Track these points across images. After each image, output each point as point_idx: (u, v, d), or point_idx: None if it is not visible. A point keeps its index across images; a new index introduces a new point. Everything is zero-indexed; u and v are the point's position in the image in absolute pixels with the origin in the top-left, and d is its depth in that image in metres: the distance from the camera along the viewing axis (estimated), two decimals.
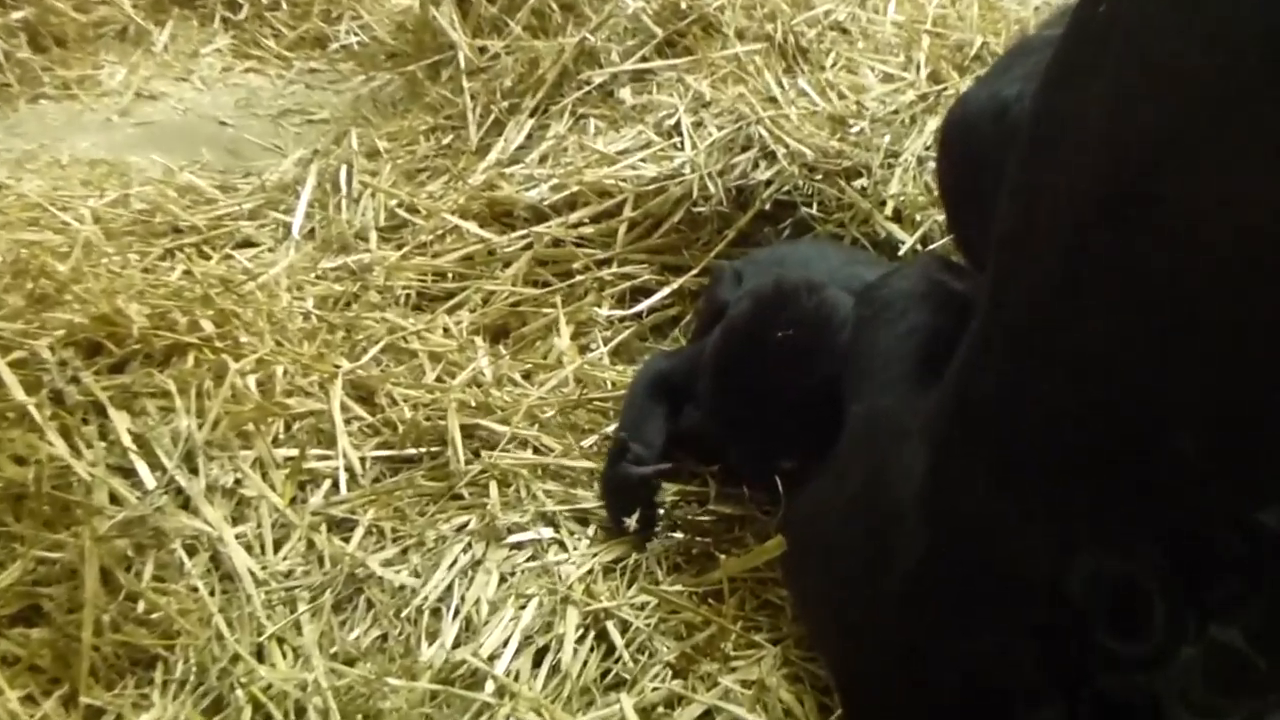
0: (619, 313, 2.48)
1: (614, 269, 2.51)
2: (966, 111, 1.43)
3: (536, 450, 2.07)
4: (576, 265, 2.54)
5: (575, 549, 1.88)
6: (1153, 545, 0.97)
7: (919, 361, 1.53)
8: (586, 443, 2.07)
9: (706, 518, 1.97)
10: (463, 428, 2.08)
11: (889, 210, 2.42)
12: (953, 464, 1.25)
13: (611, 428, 2.05)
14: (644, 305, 2.50)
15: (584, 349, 2.38)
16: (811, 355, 1.79)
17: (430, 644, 1.74)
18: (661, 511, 1.93)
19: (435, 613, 1.79)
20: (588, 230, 2.56)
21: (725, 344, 1.89)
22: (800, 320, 1.83)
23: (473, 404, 2.15)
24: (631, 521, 1.86)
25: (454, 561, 1.85)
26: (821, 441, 1.68)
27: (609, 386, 2.22)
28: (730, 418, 1.88)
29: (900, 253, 2.36)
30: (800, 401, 1.79)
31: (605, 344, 2.40)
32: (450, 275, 2.55)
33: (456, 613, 1.77)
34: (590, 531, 1.91)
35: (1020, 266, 1.14)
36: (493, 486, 1.99)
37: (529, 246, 2.56)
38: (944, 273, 1.71)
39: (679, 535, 1.91)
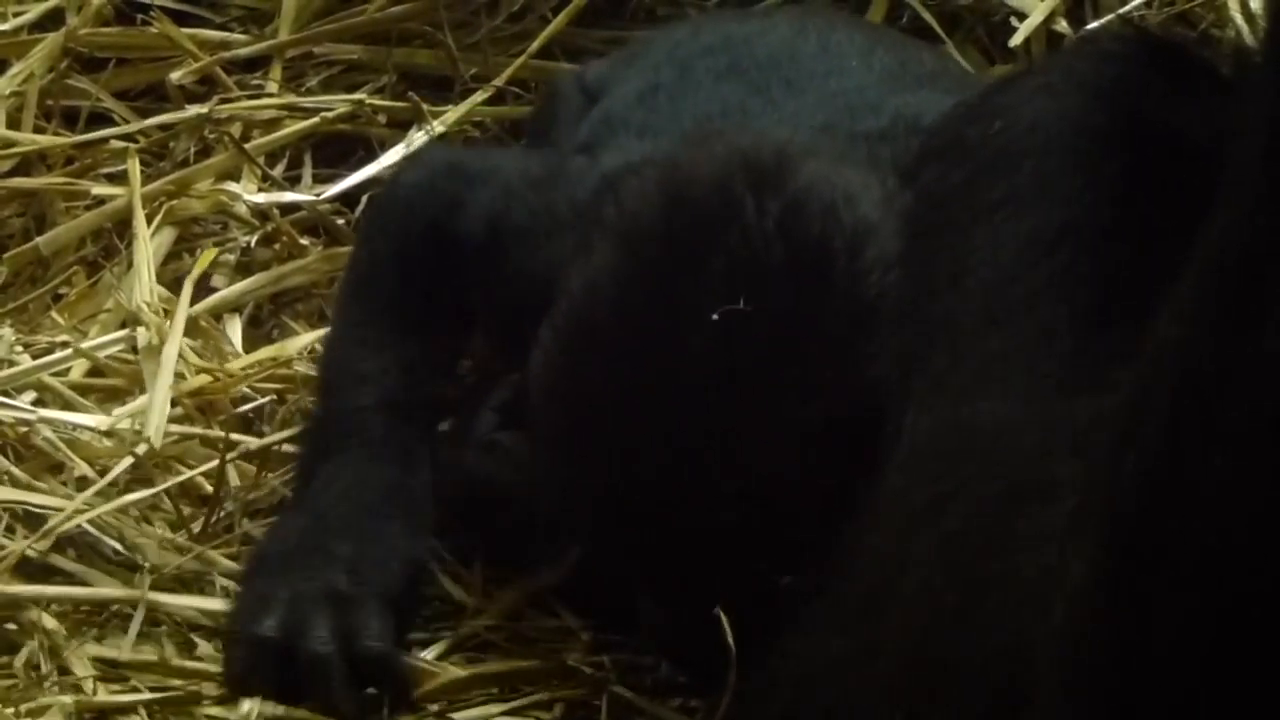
0: (288, 198, 1.82)
1: (270, 99, 1.89)
2: None
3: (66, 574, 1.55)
4: (175, 77, 1.88)
5: None
6: None
7: (1079, 306, 1.17)
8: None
9: None
10: None
11: None
12: (1141, 582, 0.87)
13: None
14: (350, 181, 1.83)
15: (196, 288, 1.72)
16: (820, 340, 1.30)
17: None
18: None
19: None
20: None
21: (580, 313, 1.36)
22: (763, 251, 1.31)
23: None
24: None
25: None
26: (828, 534, 1.25)
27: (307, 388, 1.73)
28: (592, 496, 1.37)
29: (1013, 40, 1.83)
30: (777, 451, 1.28)
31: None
32: None
33: None
34: None
35: None
36: None
37: (51, 25, 2.04)
38: (1143, 87, 1.28)
39: None
